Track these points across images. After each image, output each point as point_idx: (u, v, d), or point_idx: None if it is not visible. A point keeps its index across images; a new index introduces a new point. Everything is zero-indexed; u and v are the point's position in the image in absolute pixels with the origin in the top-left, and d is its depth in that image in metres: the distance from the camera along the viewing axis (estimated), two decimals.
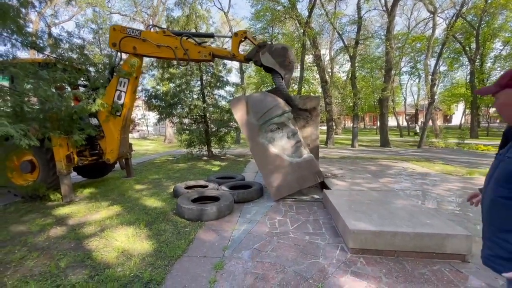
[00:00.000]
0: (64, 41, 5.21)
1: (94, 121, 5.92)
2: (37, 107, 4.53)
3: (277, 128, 4.56)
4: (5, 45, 3.97)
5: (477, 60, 21.65)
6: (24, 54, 5.10)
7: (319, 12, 17.76)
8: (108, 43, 5.30)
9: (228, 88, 11.30)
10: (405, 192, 5.13)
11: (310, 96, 5.67)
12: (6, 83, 4.87)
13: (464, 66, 25.98)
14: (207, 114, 10.56)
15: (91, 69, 5.99)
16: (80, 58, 5.49)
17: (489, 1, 17.65)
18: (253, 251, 2.87)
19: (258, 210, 4.20)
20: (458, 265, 2.51)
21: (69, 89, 5.52)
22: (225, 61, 10.39)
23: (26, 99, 4.35)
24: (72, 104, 4.74)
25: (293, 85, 19.34)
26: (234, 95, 11.42)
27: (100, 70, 5.74)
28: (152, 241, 3.16)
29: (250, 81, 25.85)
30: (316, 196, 4.75)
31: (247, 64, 5.49)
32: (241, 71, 20.81)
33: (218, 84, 10.60)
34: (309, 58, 19.06)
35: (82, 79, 5.81)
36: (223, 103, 11.38)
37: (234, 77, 28.37)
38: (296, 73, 19.34)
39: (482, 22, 20.02)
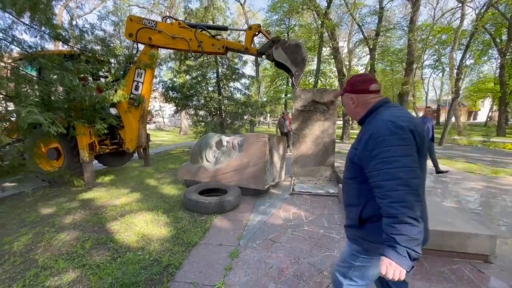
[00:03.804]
0: (89, 32, 5.38)
1: (113, 111, 6.13)
2: (63, 97, 4.74)
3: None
4: (35, 37, 4.15)
5: (508, 53, 20.25)
6: (49, 46, 5.33)
7: (338, 3, 17.19)
8: (125, 34, 5.40)
9: (243, 80, 11.28)
10: (426, 190, 4.97)
11: (328, 89, 5.57)
12: (34, 73, 5.12)
13: (493, 60, 24.43)
14: (222, 107, 10.62)
15: (112, 60, 6.18)
16: (103, 49, 5.66)
17: None
18: (267, 241, 2.91)
19: (272, 202, 4.23)
20: (479, 265, 2.42)
21: (91, 80, 5.72)
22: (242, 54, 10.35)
23: (53, 89, 4.56)
24: (94, 94, 4.92)
25: (309, 78, 19.01)
26: (249, 88, 11.39)
27: (121, 62, 5.90)
28: (170, 228, 3.27)
29: (265, 74, 25.63)
30: (332, 191, 4.71)
31: (263, 57, 5.44)
32: (257, 64, 20.65)
33: (233, 77, 10.61)
34: (326, 51, 18.57)
35: (103, 70, 6.02)
36: (238, 95, 11.39)
37: (249, 70, 28.23)
38: (313, 66, 18.99)
39: None
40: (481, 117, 41.23)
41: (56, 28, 4.53)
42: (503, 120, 20.92)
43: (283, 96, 20.55)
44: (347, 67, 24.30)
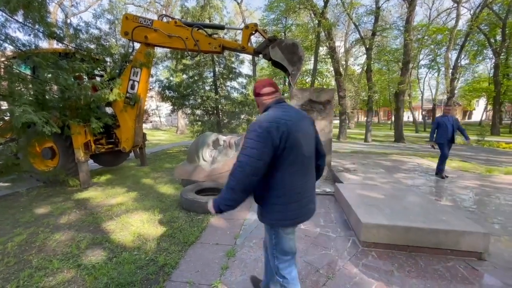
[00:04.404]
0: (83, 31, 5.33)
1: (109, 110, 6.09)
2: (57, 96, 4.69)
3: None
4: (29, 35, 4.10)
5: (503, 53, 20.49)
6: (43, 44, 5.28)
7: (335, 2, 17.24)
8: (120, 32, 5.35)
9: (240, 79, 11.27)
10: (420, 188, 5.02)
11: (324, 89, 5.58)
12: (28, 72, 5.06)
13: (488, 60, 24.70)
14: (219, 106, 10.60)
15: (108, 59, 6.13)
16: (98, 48, 5.61)
17: None
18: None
19: None
20: (473, 262, 2.45)
21: (86, 78, 5.67)
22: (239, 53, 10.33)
23: (47, 87, 4.52)
24: (90, 93, 4.87)
25: (306, 77, 19.03)
26: (246, 87, 11.38)
27: (117, 61, 5.86)
28: (166, 227, 3.26)
29: (262, 73, 25.63)
30: (328, 190, 4.72)
31: (260, 57, 5.43)
32: (253, 63, 20.64)
33: (230, 76, 10.60)
34: (323, 50, 18.62)
35: (98, 69, 5.97)
36: (235, 95, 11.38)
37: (246, 69, 28.17)
38: (310, 65, 19.02)
39: (510, 13, 18.83)
40: (476, 116, 41.68)
41: (50, 26, 4.48)
42: (497, 119, 21.18)
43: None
44: (344, 66, 24.39)
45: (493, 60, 21.30)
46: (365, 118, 17.29)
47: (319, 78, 18.75)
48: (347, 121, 19.04)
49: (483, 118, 31.17)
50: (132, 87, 5.44)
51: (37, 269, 2.41)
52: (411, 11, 14.59)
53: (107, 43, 6.75)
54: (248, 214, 3.70)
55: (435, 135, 5.79)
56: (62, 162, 5.32)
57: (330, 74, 19.34)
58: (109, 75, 5.65)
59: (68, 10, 15.64)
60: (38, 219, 3.62)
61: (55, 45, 6.42)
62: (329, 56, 16.54)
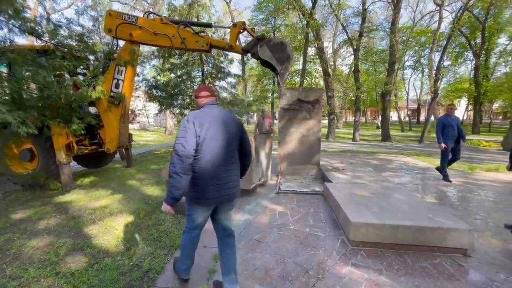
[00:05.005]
0: (64, 27, 5.11)
1: (93, 110, 5.87)
2: (36, 95, 4.46)
3: None
4: (1, 28, 3.88)
5: (482, 55, 21.33)
6: (22, 41, 5.02)
7: (323, 3, 17.42)
8: (104, 29, 5.17)
9: (229, 79, 11.17)
10: (406, 186, 5.11)
11: (313, 88, 5.60)
12: (4, 70, 4.79)
13: (469, 61, 25.66)
14: None
15: (91, 57, 5.91)
16: (80, 45, 5.39)
17: None
18: (253, 241, 2.86)
19: (258, 202, 4.18)
20: (459, 259, 2.49)
21: (68, 77, 5.44)
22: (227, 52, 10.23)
23: (25, 86, 4.29)
24: (71, 92, 4.67)
25: (295, 77, 19.14)
26: (235, 87, 11.30)
27: (100, 58, 5.66)
28: (152, 230, 3.15)
29: (251, 73, 25.58)
30: (317, 189, 4.73)
31: (249, 56, 5.38)
32: (243, 63, 20.57)
33: (219, 75, 10.47)
34: (311, 51, 18.78)
35: (81, 67, 5.74)
36: (224, 94, 11.27)
37: (235, 69, 28.04)
38: (299, 66, 19.14)
39: (489, 16, 19.63)
40: (458, 115, 43.17)
41: (27, 22, 4.26)
42: (478, 119, 22.02)
43: (270, 95, 20.60)
44: (332, 67, 24.69)
45: (474, 62, 22.15)
46: (353, 118, 17.56)
47: (308, 78, 18.91)
48: (336, 121, 19.27)
49: (465, 118, 32.38)
50: (117, 86, 5.27)
51: (11, 278, 2.26)
52: (396, 13, 14.94)
53: (91, 41, 6.52)
54: (236, 215, 3.64)
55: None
56: (42, 164, 5.07)
57: (318, 74, 19.54)
58: (92, 73, 5.44)
59: (49, 6, 15.04)
60: (15, 224, 3.42)
61: (35, 42, 6.14)
62: (317, 57, 16.70)
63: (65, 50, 4.89)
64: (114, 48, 5.45)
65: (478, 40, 21.21)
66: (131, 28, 4.98)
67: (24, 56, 4.01)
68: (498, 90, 21.99)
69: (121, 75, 5.22)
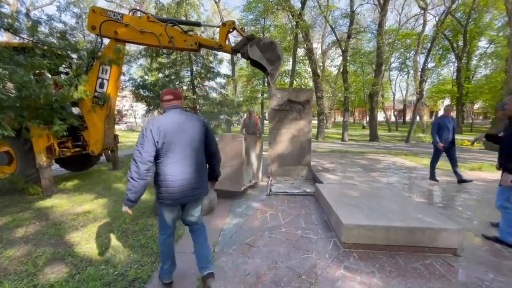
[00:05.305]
0: (44, 24, 4.87)
1: (76, 111, 5.63)
2: (13, 94, 4.22)
3: None
4: None
5: (464, 58, 22.12)
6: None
7: (312, 5, 17.56)
8: (87, 26, 4.97)
9: (219, 79, 11.06)
10: (395, 185, 5.18)
11: (303, 89, 5.59)
12: None
13: (451, 63, 26.55)
14: (197, 106, 10.31)
15: (74, 55, 5.67)
16: (61, 43, 5.16)
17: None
18: (244, 246, 2.79)
19: (249, 204, 4.12)
20: (449, 259, 2.51)
21: (49, 76, 5.18)
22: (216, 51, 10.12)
23: (0, 85, 4.05)
24: (53, 91, 4.45)
25: (285, 78, 19.19)
26: (225, 87, 11.19)
27: (83, 57, 5.43)
28: (139, 236, 3.02)
29: (241, 73, 25.47)
30: (308, 190, 4.71)
31: (239, 56, 5.30)
32: (232, 63, 20.44)
33: (208, 75, 10.35)
34: (301, 51, 18.89)
35: (64, 66, 5.49)
36: (213, 95, 11.14)
37: (225, 69, 27.89)
38: (288, 66, 19.20)
39: (470, 20, 20.38)
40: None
41: (4, 17, 4.02)
42: (460, 119, 22.80)
43: (260, 95, 20.56)
44: (321, 68, 24.96)
45: (456, 64, 22.93)
46: (342, 118, 17.78)
47: (297, 79, 18.99)
48: (325, 121, 19.46)
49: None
50: (101, 86, 5.06)
51: None
52: (383, 15, 15.24)
53: (74, 38, 6.27)
54: (227, 218, 3.56)
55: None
56: (21, 168, 4.81)
57: (308, 75, 19.66)
58: (75, 72, 5.22)
59: (30, 2, 14.42)
60: None
61: (14, 39, 5.83)
62: (307, 57, 16.79)
63: (45, 47, 4.66)
64: (99, 46, 5.24)
65: (460, 43, 21.98)
66: (116, 25, 4.80)
67: None
68: (479, 92, 22.91)
69: (105, 74, 5.02)
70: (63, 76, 5.55)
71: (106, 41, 5.14)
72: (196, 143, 1.97)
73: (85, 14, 8.98)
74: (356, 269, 2.35)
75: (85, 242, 2.93)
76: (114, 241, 2.94)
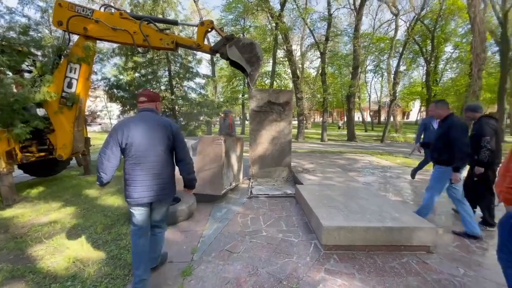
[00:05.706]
0: (3, 17, 4.46)
1: (42, 112, 5.22)
2: None
3: None
4: None
5: (432, 62, 23.54)
6: None
7: (291, 7, 17.78)
8: (52, 21, 4.60)
9: (198, 79, 10.83)
10: (373, 185, 5.34)
11: (283, 90, 5.59)
12: None
13: (421, 67, 28.17)
14: (176, 107, 10.02)
15: (38, 52, 5.25)
16: (23, 38, 4.75)
17: (443, 8, 19.18)
18: (224, 252, 2.70)
19: (230, 208, 4.03)
20: (423, 256, 2.60)
21: (10, 74, 4.75)
22: (195, 51, 9.89)
23: None
24: (14, 91, 4.07)
25: (265, 79, 19.27)
26: (205, 87, 10.99)
27: (48, 54, 5.04)
28: (111, 247, 2.83)
29: (221, 74, 25.21)
30: (289, 192, 4.71)
31: (219, 56, 5.19)
32: (212, 63, 20.17)
33: (187, 75, 10.10)
34: (280, 53, 19.07)
35: (27, 63, 5.06)
36: (193, 95, 10.89)
37: (205, 69, 27.43)
38: (268, 67, 19.31)
39: (437, 26, 21.72)
40: (412, 116, 47.31)
41: None
42: None
43: (241, 96, 20.47)
44: (300, 69, 25.38)
45: (425, 67, 24.34)
46: (321, 119, 18.18)
47: (277, 80, 19.15)
48: (305, 122, 19.78)
49: (418, 118, 35.48)
50: (69, 86, 4.71)
51: None
52: (359, 20, 15.80)
53: (39, 34, 5.80)
54: (207, 223, 3.45)
55: (421, 138, 5.36)
56: None
57: (288, 76, 19.90)
58: (39, 71, 4.82)
59: None
60: None
61: None
62: (286, 59, 16.99)
63: (3, 43, 4.26)
64: (66, 43, 4.89)
65: (429, 47, 23.35)
66: (85, 21, 4.49)
67: None
68: (446, 94, 24.44)
69: (74, 73, 4.69)
70: (26, 75, 5.12)
71: (75, 37, 4.81)
72: (160, 147, 2.01)
73: (51, 8, 8.39)
74: (337, 271, 2.36)
75: (49, 256, 2.69)
76: (83, 253, 2.73)
